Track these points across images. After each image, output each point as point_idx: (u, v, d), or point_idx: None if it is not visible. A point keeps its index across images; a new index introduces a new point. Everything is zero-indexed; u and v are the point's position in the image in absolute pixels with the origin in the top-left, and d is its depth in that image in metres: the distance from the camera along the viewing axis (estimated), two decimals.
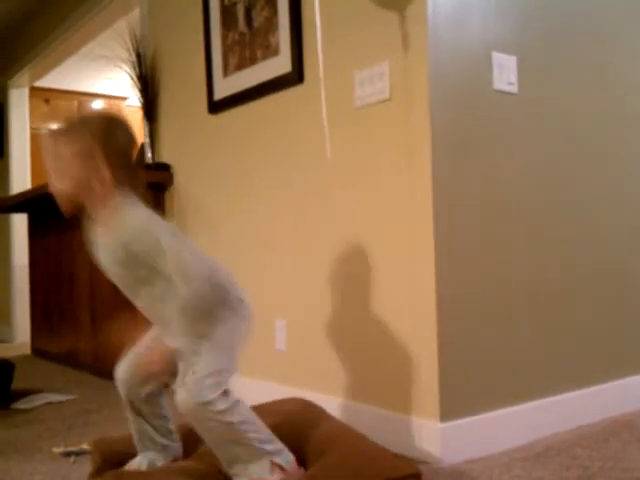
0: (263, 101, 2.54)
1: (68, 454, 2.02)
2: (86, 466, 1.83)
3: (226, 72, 2.72)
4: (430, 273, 1.84)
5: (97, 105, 5.79)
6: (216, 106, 2.78)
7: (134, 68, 3.24)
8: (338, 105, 2.17)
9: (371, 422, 1.97)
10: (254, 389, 2.33)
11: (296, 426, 1.64)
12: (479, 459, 1.82)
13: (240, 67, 2.63)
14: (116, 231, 1.44)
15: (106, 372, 3.33)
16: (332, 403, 2.12)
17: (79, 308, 3.69)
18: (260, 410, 1.49)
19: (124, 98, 6.09)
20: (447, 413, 1.84)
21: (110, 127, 1.48)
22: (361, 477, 1.40)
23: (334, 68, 2.17)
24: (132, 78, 3.26)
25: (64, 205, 1.47)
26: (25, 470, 1.90)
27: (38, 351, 4.22)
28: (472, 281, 1.93)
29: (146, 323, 1.57)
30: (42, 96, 5.71)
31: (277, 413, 1.68)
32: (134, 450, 1.62)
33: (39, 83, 5.44)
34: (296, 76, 2.33)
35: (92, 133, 1.44)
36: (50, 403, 2.79)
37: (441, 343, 1.84)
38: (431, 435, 1.83)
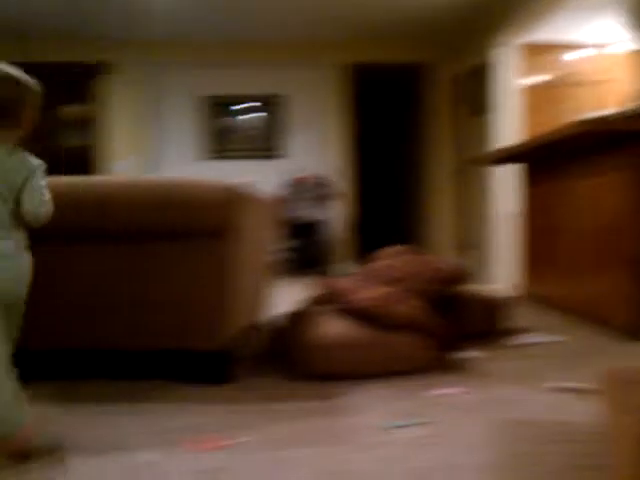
0: None
1: (562, 390, 2.22)
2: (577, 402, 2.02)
3: None
4: None
5: (577, 55, 5.75)
6: None
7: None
8: None
9: None
10: None
11: None
12: None
13: None
14: None
15: (595, 318, 3.44)
16: None
17: (566, 255, 3.86)
18: None
19: (605, 45, 5.90)
20: None
21: None
22: None
23: None
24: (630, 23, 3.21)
25: None
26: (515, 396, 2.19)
27: (530, 294, 4.54)
28: None
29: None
30: (526, 51, 5.93)
31: None
32: None
33: (522, 39, 5.67)
34: None
35: None
36: (539, 343, 3.05)
37: None
38: None
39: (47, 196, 1.82)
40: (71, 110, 7.17)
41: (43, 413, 1.86)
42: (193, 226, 2.32)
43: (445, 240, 7.19)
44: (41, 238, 2.29)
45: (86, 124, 7.10)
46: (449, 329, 2.61)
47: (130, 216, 2.31)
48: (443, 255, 6.80)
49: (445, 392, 2.23)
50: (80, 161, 7.05)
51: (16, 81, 1.79)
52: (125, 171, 6.96)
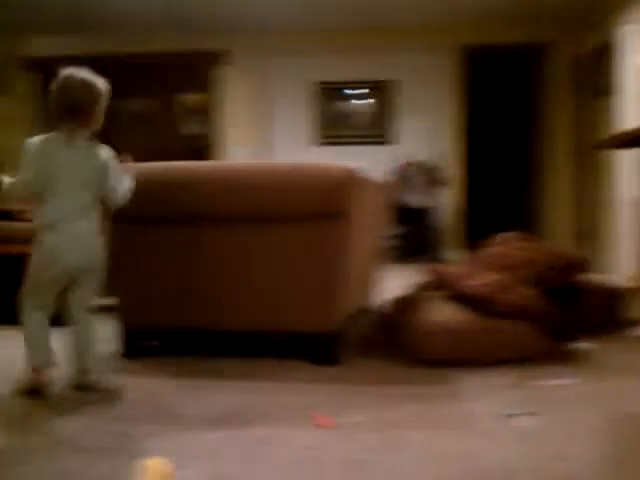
0: None
1: None
2: None
3: None
4: None
5: None
6: None
7: None
8: None
9: None
10: None
11: None
12: None
13: None
14: None
15: None
16: None
17: None
18: None
19: None
20: None
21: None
22: None
23: None
24: None
25: None
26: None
27: None
28: None
29: None
30: None
31: None
32: None
33: None
34: None
35: None
36: None
37: None
38: None
39: (126, 181, 2.20)
40: (190, 98, 7.49)
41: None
42: (312, 208, 2.37)
43: (562, 227, 6.95)
44: (167, 221, 2.44)
45: (204, 111, 7.39)
46: (564, 318, 2.55)
47: (251, 199, 2.40)
48: (559, 242, 6.58)
49: (559, 382, 2.20)
50: (198, 147, 7.36)
51: (90, 85, 2.09)
52: (241, 156, 7.18)
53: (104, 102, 2.12)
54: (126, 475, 1.41)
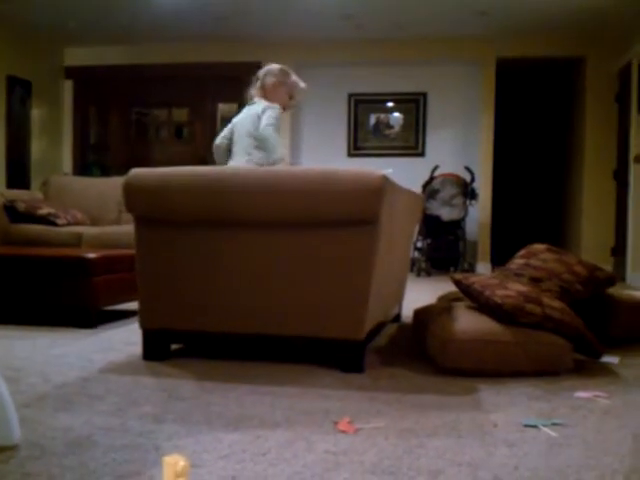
0: None
1: None
2: None
3: None
4: None
5: None
6: None
7: None
8: None
9: None
10: None
11: None
12: None
13: None
14: None
15: None
16: None
17: None
18: None
19: None
20: None
21: None
22: None
23: None
24: None
25: None
26: None
27: None
28: None
29: None
30: None
31: None
32: None
33: None
34: None
35: None
36: None
37: None
38: None
39: (271, 122, 3.20)
40: (223, 108, 7.60)
41: None
42: (343, 214, 2.36)
43: (599, 242, 6.84)
44: (195, 225, 2.46)
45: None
46: (591, 332, 2.51)
47: (281, 204, 2.41)
48: (594, 258, 6.48)
49: (585, 395, 2.16)
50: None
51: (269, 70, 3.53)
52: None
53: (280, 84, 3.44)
54: (149, 472, 1.43)
